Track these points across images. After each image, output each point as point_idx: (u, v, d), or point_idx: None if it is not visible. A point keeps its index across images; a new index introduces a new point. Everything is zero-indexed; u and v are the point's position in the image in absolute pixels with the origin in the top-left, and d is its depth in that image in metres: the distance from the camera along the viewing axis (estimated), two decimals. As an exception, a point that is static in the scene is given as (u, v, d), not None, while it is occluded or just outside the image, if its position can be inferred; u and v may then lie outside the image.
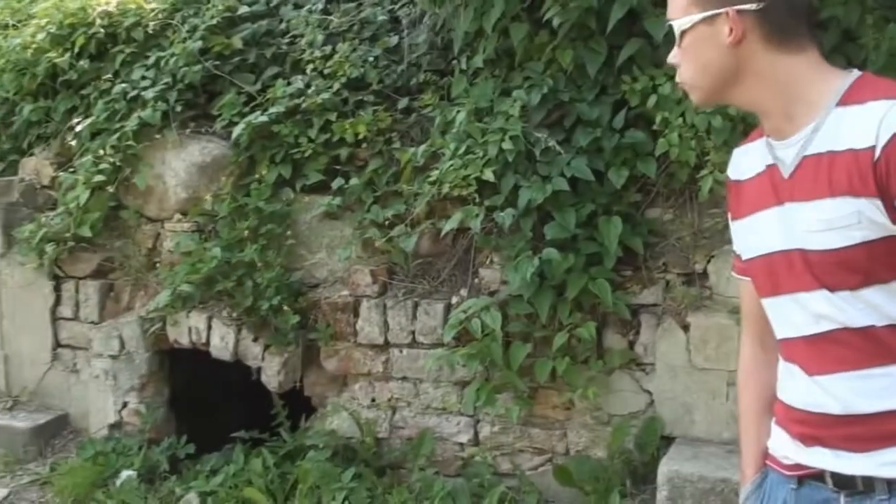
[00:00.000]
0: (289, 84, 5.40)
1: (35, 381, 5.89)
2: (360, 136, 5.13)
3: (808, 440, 1.87)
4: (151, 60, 5.76)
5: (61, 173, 5.75)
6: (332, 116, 5.22)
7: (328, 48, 5.53)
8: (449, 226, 4.72)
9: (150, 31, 5.92)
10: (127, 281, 5.63)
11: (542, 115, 4.64)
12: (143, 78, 5.68)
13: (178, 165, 5.48)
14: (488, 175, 4.53)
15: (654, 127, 4.45)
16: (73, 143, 5.75)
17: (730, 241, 2.12)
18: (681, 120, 4.37)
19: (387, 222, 4.98)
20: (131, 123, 5.47)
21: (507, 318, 4.59)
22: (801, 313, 1.84)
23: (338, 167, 5.21)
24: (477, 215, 4.59)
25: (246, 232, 5.13)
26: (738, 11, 1.78)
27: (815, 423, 1.85)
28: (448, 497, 4.63)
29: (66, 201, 5.59)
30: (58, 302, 5.80)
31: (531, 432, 4.80)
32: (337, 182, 5.13)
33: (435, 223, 4.90)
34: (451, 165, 4.64)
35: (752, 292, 2.03)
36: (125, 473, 5.05)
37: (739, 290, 2.17)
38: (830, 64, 1.86)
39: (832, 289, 1.77)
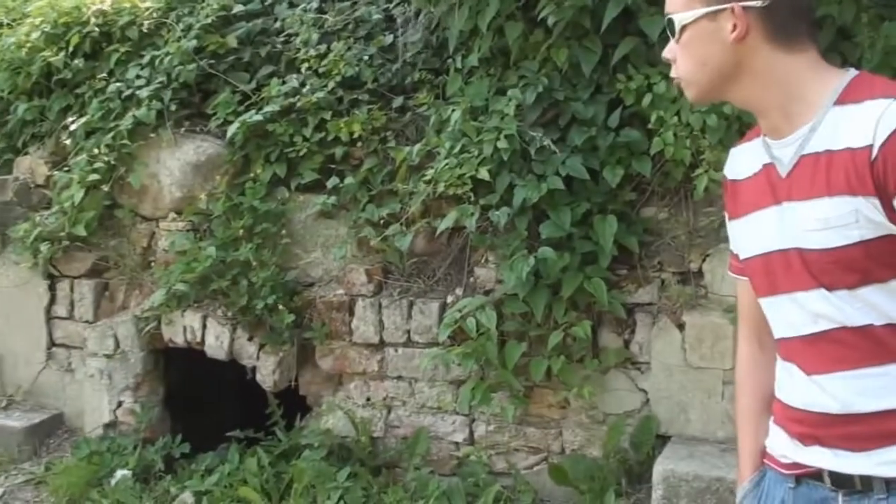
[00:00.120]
0: (283, 83, 5.39)
1: (30, 380, 5.88)
2: (355, 135, 5.13)
3: (806, 439, 1.87)
4: (146, 59, 5.74)
5: (56, 172, 5.73)
6: (327, 115, 5.21)
7: (323, 47, 5.52)
8: (444, 225, 4.72)
9: (145, 30, 5.90)
10: (122, 280, 5.62)
11: (537, 114, 4.64)
12: (138, 77, 5.67)
13: (173, 164, 5.47)
14: (483, 174, 4.53)
15: (649, 126, 4.45)
16: (68, 141, 5.73)
17: (725, 240, 2.12)
18: (676, 119, 4.37)
19: (382, 221, 4.97)
20: (126, 122, 5.46)
21: (502, 317, 4.59)
22: (799, 313, 1.84)
23: (333, 166, 5.20)
24: (472, 214, 4.59)
25: (241, 231, 5.12)
26: (744, 8, 1.77)
27: (813, 423, 1.84)
28: (443, 496, 4.63)
29: (60, 200, 5.58)
30: (52, 301, 5.79)
31: (526, 431, 4.81)
32: (332, 181, 5.13)
33: (430, 222, 4.89)
34: (447, 164, 4.64)
35: (749, 292, 2.03)
36: (120, 473, 5.04)
37: (736, 290, 2.17)
38: (826, 62, 1.85)
39: (830, 288, 1.77)
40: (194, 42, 5.60)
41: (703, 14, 1.81)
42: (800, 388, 1.87)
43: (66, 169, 5.68)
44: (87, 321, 5.63)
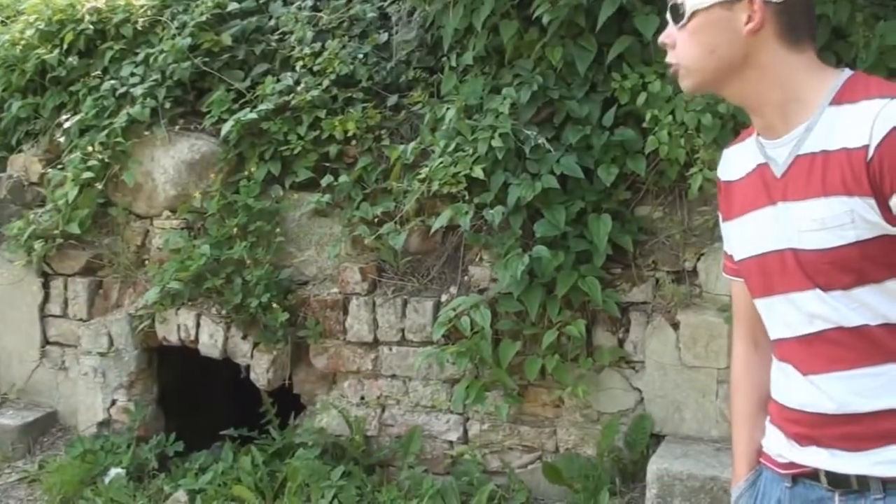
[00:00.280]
0: (278, 81, 5.39)
1: (23, 378, 5.87)
2: (350, 134, 5.13)
3: (803, 440, 1.87)
4: (140, 57, 5.74)
5: (50, 170, 5.73)
6: (322, 113, 5.21)
7: (318, 45, 5.52)
8: (438, 223, 4.72)
9: (140, 28, 5.89)
10: (116, 278, 5.61)
11: (531, 113, 4.64)
12: (132, 75, 5.66)
13: (167, 162, 5.46)
14: (478, 172, 4.53)
15: (644, 125, 4.45)
16: (62, 139, 5.73)
17: (720, 239, 2.11)
18: (670, 118, 4.37)
19: (376, 220, 4.97)
20: (120, 120, 5.46)
21: (496, 316, 4.59)
22: (794, 313, 1.84)
23: (327, 164, 5.20)
24: (466, 213, 4.59)
25: (235, 229, 5.12)
26: (764, 1, 1.77)
27: (810, 423, 1.85)
28: (437, 495, 4.63)
29: (54, 198, 5.58)
30: (46, 299, 5.78)
31: (520, 430, 4.81)
32: (326, 179, 5.12)
33: (424, 221, 4.89)
34: (441, 163, 4.64)
35: (743, 292, 2.03)
36: (114, 471, 5.03)
37: (731, 291, 2.17)
38: (822, 62, 1.86)
39: (825, 288, 1.77)
40: (189, 40, 5.59)
41: (719, 1, 1.80)
42: (796, 388, 1.87)
43: (60, 167, 5.67)
44: (80, 319, 5.63)
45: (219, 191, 5.26)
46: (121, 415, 5.33)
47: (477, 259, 4.83)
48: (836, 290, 1.76)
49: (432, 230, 4.81)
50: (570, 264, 4.46)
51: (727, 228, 2.04)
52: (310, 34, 5.58)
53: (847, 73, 1.81)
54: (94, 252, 5.65)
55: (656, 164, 4.57)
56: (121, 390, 5.33)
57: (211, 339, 5.14)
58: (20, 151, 6.03)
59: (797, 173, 1.79)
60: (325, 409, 5.06)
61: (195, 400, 5.59)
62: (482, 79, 4.84)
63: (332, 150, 5.17)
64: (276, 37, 5.76)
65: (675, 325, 4.47)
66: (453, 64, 4.98)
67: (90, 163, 5.45)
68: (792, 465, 1.90)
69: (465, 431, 4.90)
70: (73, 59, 5.90)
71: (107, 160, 5.46)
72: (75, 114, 5.73)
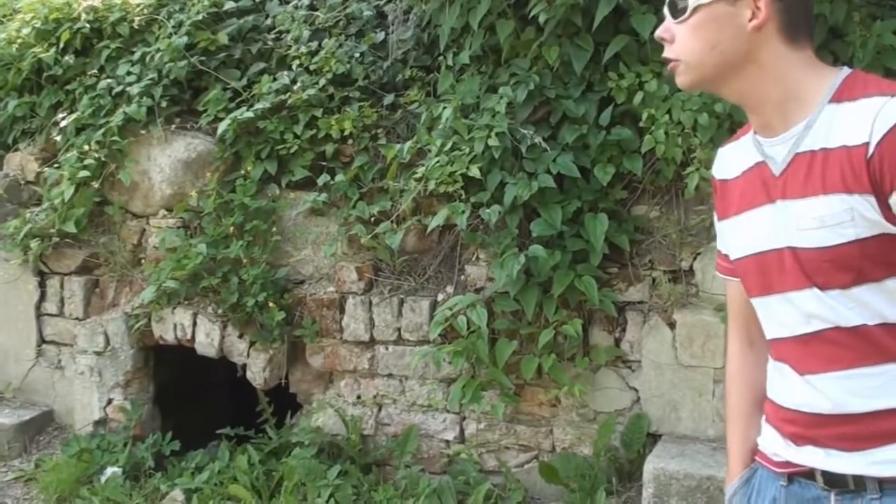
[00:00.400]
0: (274, 80, 5.39)
1: (19, 377, 5.86)
2: (346, 133, 5.12)
3: (799, 440, 1.87)
4: (137, 56, 5.74)
5: (46, 169, 5.72)
6: (318, 112, 5.21)
7: (314, 44, 5.52)
8: (435, 222, 4.72)
9: (136, 27, 5.90)
10: (112, 277, 5.60)
11: (528, 112, 4.64)
12: (129, 73, 5.66)
13: (164, 161, 5.46)
14: (474, 172, 4.52)
15: (641, 124, 4.45)
16: (58, 138, 5.72)
17: (716, 239, 2.11)
18: (667, 117, 4.37)
19: (372, 219, 4.97)
20: (116, 119, 5.45)
21: (492, 315, 4.59)
22: (792, 313, 1.84)
23: (323, 163, 5.19)
24: (463, 212, 4.58)
25: (231, 228, 5.11)
26: None
27: (806, 423, 1.85)
28: (433, 494, 4.63)
29: (50, 197, 5.57)
30: (42, 298, 5.77)
31: (517, 429, 4.81)
32: (322, 178, 5.12)
33: (421, 220, 4.89)
34: (437, 162, 4.64)
35: (738, 291, 2.03)
36: (110, 470, 5.03)
37: (726, 290, 2.16)
38: (820, 61, 1.85)
39: (823, 287, 1.77)
40: (185, 39, 5.59)
41: None
42: (792, 388, 1.87)
43: (56, 165, 5.67)
44: (77, 318, 5.62)
45: (215, 190, 5.25)
46: (117, 414, 5.33)
47: (473, 258, 4.83)
48: (835, 290, 1.76)
49: (429, 229, 4.81)
50: (566, 263, 4.46)
51: (723, 227, 2.03)
52: (306, 33, 5.58)
53: (845, 71, 1.81)
54: (91, 251, 5.65)
55: (653, 163, 4.57)
56: (117, 389, 5.33)
57: (207, 338, 5.13)
58: (16, 150, 6.02)
59: (796, 171, 1.79)
60: (322, 408, 5.06)
61: (191, 399, 5.58)
62: (479, 78, 4.84)
63: (329, 149, 5.17)
64: (273, 36, 5.77)
65: (672, 325, 4.48)
66: (450, 63, 4.98)
67: (86, 161, 5.44)
68: (788, 464, 1.90)
69: (462, 431, 4.90)
70: (69, 58, 5.89)
71: (103, 159, 5.46)
72: (72, 112, 5.73)
